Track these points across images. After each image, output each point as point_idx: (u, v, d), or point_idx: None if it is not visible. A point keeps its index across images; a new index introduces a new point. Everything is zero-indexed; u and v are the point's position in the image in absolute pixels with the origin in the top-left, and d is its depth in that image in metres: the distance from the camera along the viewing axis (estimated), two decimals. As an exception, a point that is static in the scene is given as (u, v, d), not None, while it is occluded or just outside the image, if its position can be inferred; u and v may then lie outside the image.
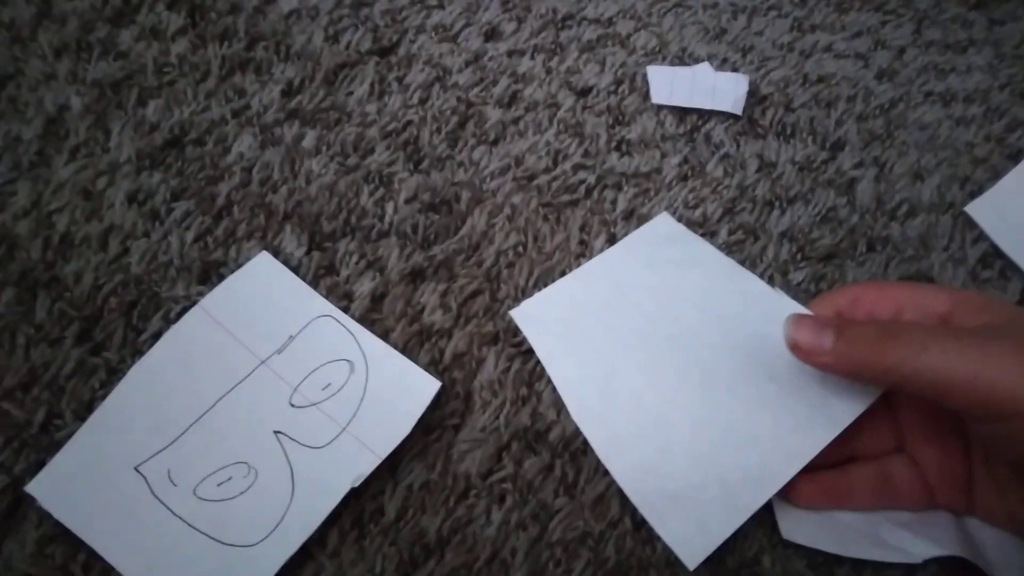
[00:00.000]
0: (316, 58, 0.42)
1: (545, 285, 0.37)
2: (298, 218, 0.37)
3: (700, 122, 0.45)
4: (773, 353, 0.32)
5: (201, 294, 0.34)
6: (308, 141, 0.40)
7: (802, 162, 0.44)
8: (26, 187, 0.36)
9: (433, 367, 0.35)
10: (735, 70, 0.48)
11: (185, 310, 0.34)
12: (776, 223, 0.42)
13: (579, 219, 0.40)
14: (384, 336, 0.35)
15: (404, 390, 0.33)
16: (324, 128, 0.40)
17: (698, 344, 0.34)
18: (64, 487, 0.30)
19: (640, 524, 0.32)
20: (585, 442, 0.33)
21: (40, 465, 0.30)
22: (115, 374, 0.32)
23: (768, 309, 0.34)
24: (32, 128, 0.37)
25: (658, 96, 0.45)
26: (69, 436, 0.31)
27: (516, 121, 0.43)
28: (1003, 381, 0.26)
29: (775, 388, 0.32)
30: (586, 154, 0.42)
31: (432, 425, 0.34)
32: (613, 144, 0.43)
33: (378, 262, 0.37)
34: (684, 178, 0.42)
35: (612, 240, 0.39)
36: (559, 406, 0.34)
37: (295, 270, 0.36)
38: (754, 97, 0.46)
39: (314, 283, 0.36)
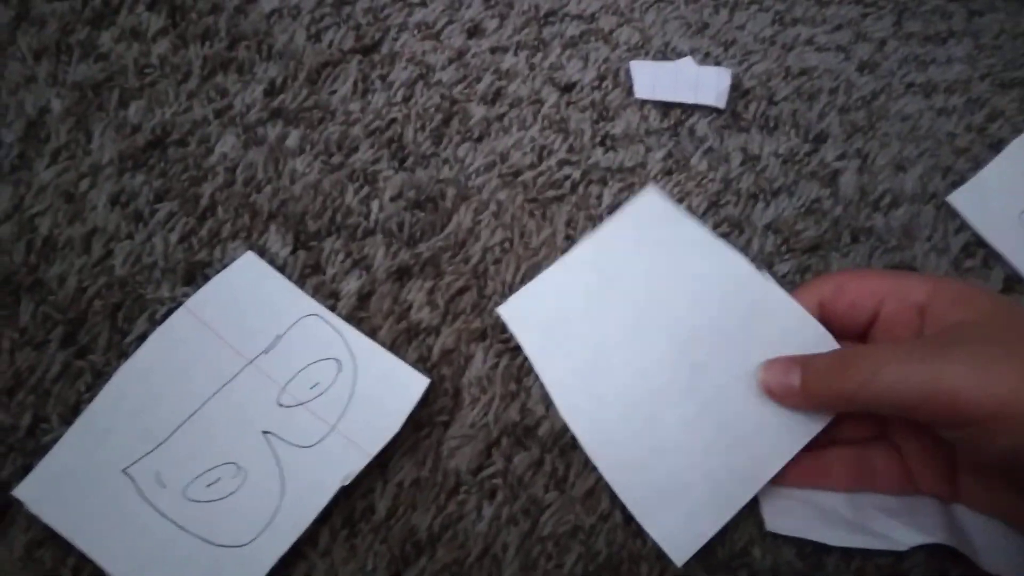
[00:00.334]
0: (298, 57, 0.42)
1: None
2: (283, 217, 0.37)
3: (684, 116, 0.45)
4: (760, 349, 0.33)
5: (186, 295, 0.34)
6: (292, 140, 0.40)
7: (785, 155, 0.44)
8: (7, 191, 0.36)
9: (421, 364, 0.35)
10: (718, 64, 0.48)
11: (171, 311, 0.34)
12: (761, 215, 0.42)
13: (565, 214, 0.40)
14: (371, 334, 0.35)
15: (392, 388, 0.33)
16: (308, 127, 0.40)
17: (687, 339, 0.34)
18: (52, 491, 0.30)
19: (630, 518, 0.32)
20: (574, 437, 0.33)
21: (27, 469, 0.30)
22: (101, 377, 0.32)
23: (756, 299, 0.34)
24: (13, 131, 0.37)
25: (641, 91, 0.45)
26: (56, 440, 0.30)
27: (500, 118, 0.43)
28: (964, 390, 0.26)
29: None
30: (571, 149, 0.42)
31: (421, 422, 0.34)
32: (597, 139, 0.43)
33: (364, 260, 0.37)
34: (669, 172, 0.43)
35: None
36: (548, 401, 0.34)
37: (281, 270, 0.36)
38: (737, 91, 0.46)
39: (300, 282, 0.36)
